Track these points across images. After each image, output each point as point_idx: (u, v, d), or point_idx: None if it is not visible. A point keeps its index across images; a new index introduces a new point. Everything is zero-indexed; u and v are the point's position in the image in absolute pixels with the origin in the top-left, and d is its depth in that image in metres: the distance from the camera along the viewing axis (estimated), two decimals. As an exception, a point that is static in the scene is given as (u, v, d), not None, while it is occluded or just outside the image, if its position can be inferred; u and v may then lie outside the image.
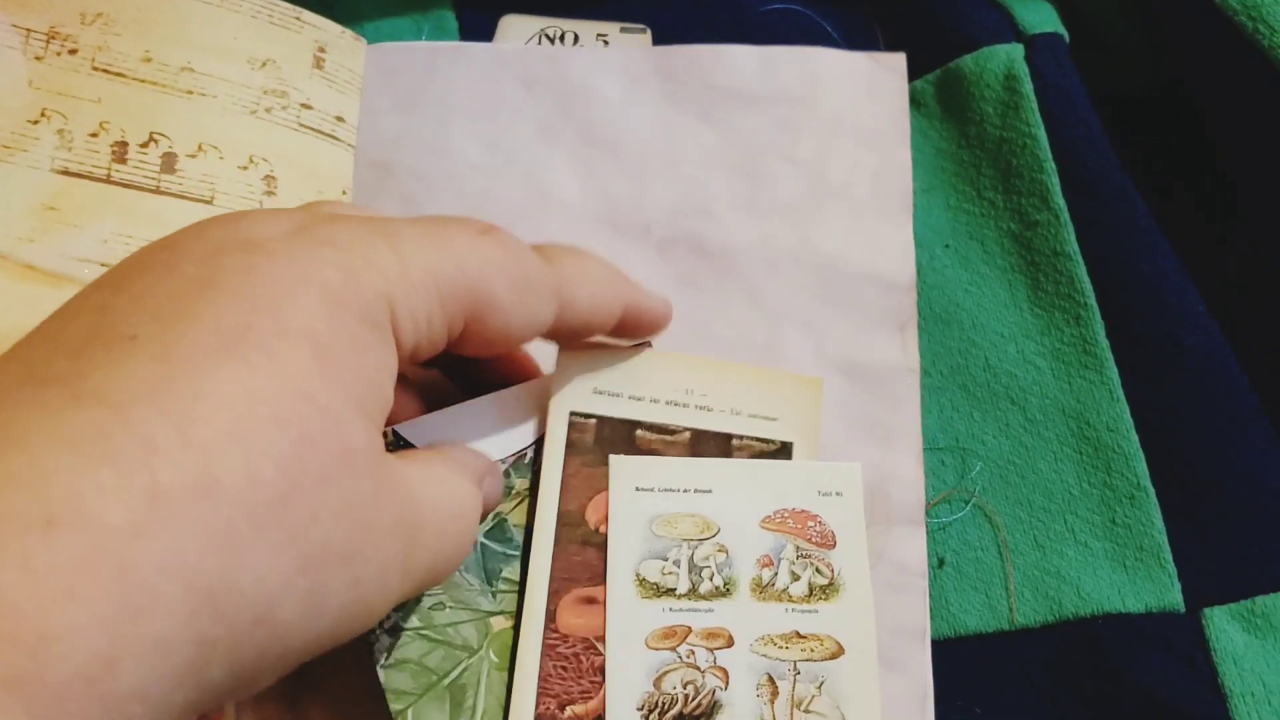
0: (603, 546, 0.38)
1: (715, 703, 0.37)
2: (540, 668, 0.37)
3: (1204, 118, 0.47)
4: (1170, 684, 0.39)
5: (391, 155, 0.45)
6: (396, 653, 0.35)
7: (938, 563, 0.42)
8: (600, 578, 0.38)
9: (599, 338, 0.37)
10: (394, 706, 0.35)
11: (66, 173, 0.40)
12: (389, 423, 0.32)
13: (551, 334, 0.33)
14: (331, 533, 0.24)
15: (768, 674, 0.37)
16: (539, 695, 0.37)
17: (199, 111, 0.39)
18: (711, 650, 0.38)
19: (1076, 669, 0.40)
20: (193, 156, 0.41)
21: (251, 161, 0.42)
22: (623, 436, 0.40)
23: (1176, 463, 0.42)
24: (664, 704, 0.37)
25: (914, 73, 0.49)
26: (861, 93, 0.46)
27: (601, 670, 0.37)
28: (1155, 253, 0.44)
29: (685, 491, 0.39)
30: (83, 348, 0.23)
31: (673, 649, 0.37)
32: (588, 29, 0.50)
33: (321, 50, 0.45)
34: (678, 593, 0.38)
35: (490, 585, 0.37)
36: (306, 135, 0.44)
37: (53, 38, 0.41)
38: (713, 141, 0.45)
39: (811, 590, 0.39)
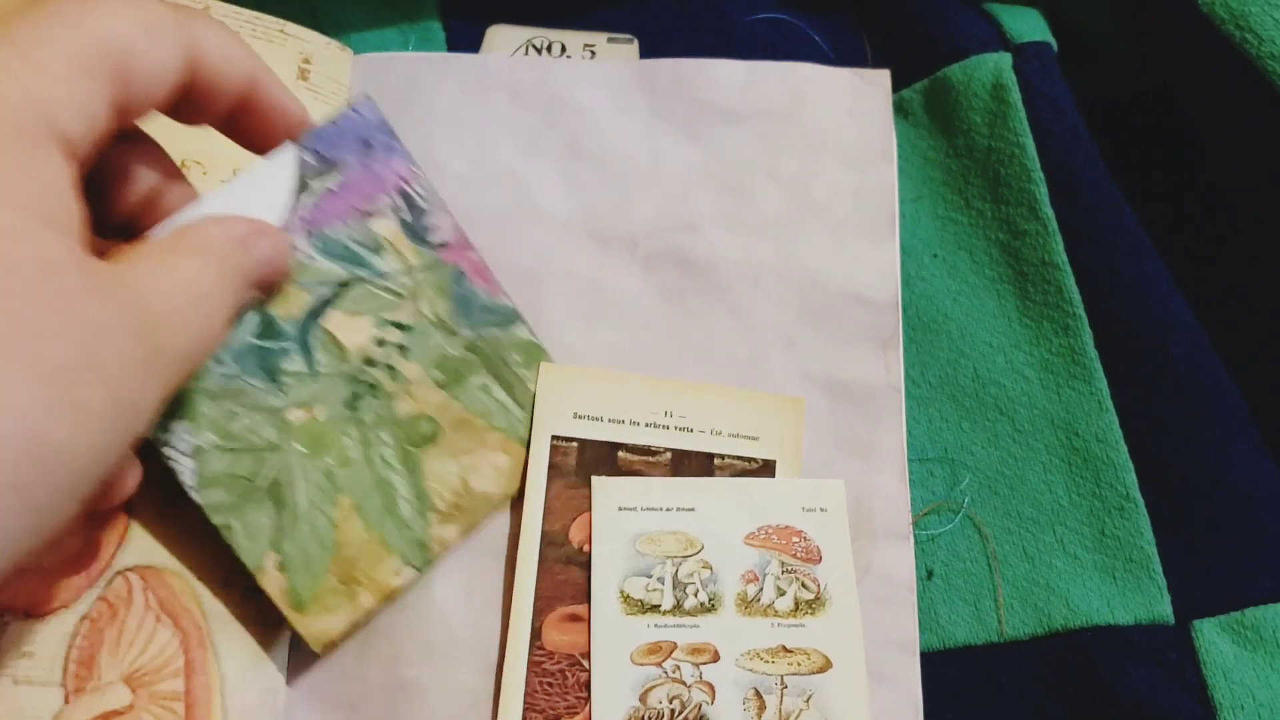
0: (587, 565, 0.39)
1: (702, 717, 0.37)
2: (526, 684, 0.37)
3: (1192, 127, 0.47)
4: (1160, 696, 0.39)
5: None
6: (203, 472, 0.35)
7: (926, 574, 0.42)
8: (585, 596, 0.38)
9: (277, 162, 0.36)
10: (215, 520, 0.36)
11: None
12: None
13: (179, 89, 0.30)
14: (63, 348, 0.24)
15: (754, 688, 0.37)
16: (525, 711, 0.37)
17: (181, 126, 0.38)
18: (697, 665, 0.38)
19: (1066, 681, 0.40)
20: (176, 172, 0.41)
21: (235, 175, 0.42)
22: (605, 458, 0.40)
23: (1166, 473, 0.41)
24: (650, 718, 0.37)
25: (902, 82, 0.49)
26: (846, 109, 0.46)
27: (587, 686, 0.37)
28: (1144, 262, 0.44)
29: (668, 510, 0.39)
30: None
31: (658, 664, 0.37)
32: (575, 39, 0.50)
33: (306, 61, 0.45)
34: (662, 609, 0.38)
35: (275, 382, 0.36)
36: (292, 147, 0.44)
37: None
38: (697, 156, 0.45)
39: (797, 605, 0.39)
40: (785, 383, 0.42)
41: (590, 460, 0.40)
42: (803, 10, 0.51)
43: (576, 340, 0.42)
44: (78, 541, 0.35)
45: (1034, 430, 0.43)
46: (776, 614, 0.38)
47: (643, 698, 0.37)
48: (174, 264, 0.29)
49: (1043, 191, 0.45)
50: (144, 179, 0.33)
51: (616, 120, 0.46)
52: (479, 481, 0.39)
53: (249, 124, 0.34)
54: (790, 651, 0.38)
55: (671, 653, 0.38)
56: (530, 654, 0.38)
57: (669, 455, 0.40)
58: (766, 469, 0.40)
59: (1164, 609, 0.40)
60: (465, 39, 0.50)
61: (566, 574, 0.38)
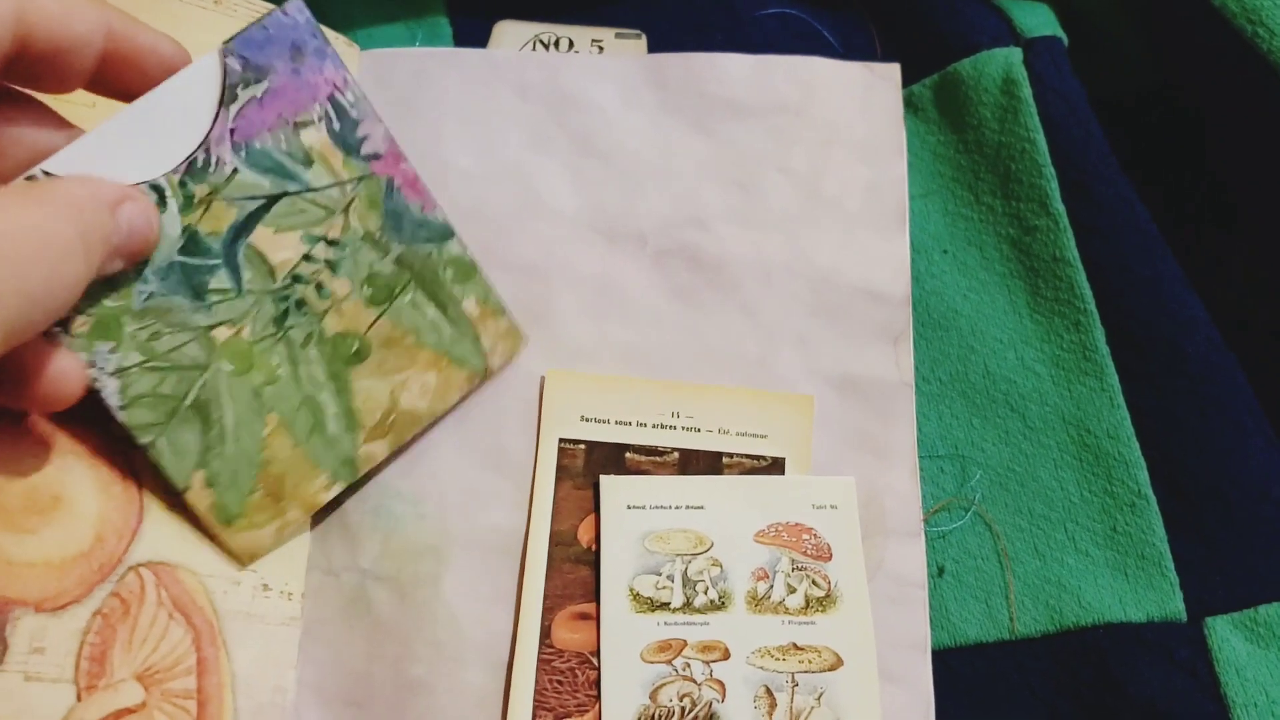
0: (596, 564, 0.38)
1: (712, 714, 0.37)
2: (536, 682, 0.37)
3: (1204, 121, 0.47)
4: (1172, 694, 0.39)
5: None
6: (129, 391, 0.35)
7: (937, 571, 0.42)
8: (594, 594, 0.38)
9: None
10: (141, 440, 0.35)
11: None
12: None
13: (26, 68, 0.29)
14: None
15: (765, 685, 0.37)
16: (535, 709, 0.37)
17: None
18: (708, 663, 0.37)
19: (1078, 679, 0.40)
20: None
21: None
22: (612, 459, 0.40)
23: (1178, 470, 0.41)
24: (660, 716, 0.37)
25: (911, 77, 0.48)
26: (856, 103, 0.46)
27: (597, 684, 0.37)
28: (1155, 258, 0.43)
29: (677, 508, 0.39)
30: None
31: (668, 662, 0.37)
32: (583, 35, 0.49)
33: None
34: (672, 607, 0.38)
35: (201, 300, 0.35)
36: (301, 142, 0.44)
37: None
38: (707, 151, 0.45)
39: (808, 602, 0.38)
40: (796, 379, 0.42)
41: (598, 461, 0.40)
42: (811, 5, 0.51)
43: (585, 338, 0.42)
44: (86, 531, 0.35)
45: (1045, 427, 0.43)
46: (787, 611, 0.38)
47: (653, 695, 0.37)
48: (24, 208, 0.28)
49: (1054, 187, 0.45)
50: (24, 137, 0.32)
51: (625, 116, 0.46)
52: (408, 399, 0.39)
53: (121, 76, 0.32)
54: (801, 649, 0.38)
55: (681, 650, 0.37)
56: (540, 652, 0.37)
57: (676, 455, 0.40)
58: (776, 467, 0.40)
59: (1176, 606, 0.40)
60: (472, 34, 0.50)
61: (576, 573, 0.38)
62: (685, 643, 0.38)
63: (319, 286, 0.37)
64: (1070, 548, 0.41)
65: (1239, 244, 0.45)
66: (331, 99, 0.36)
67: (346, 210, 0.37)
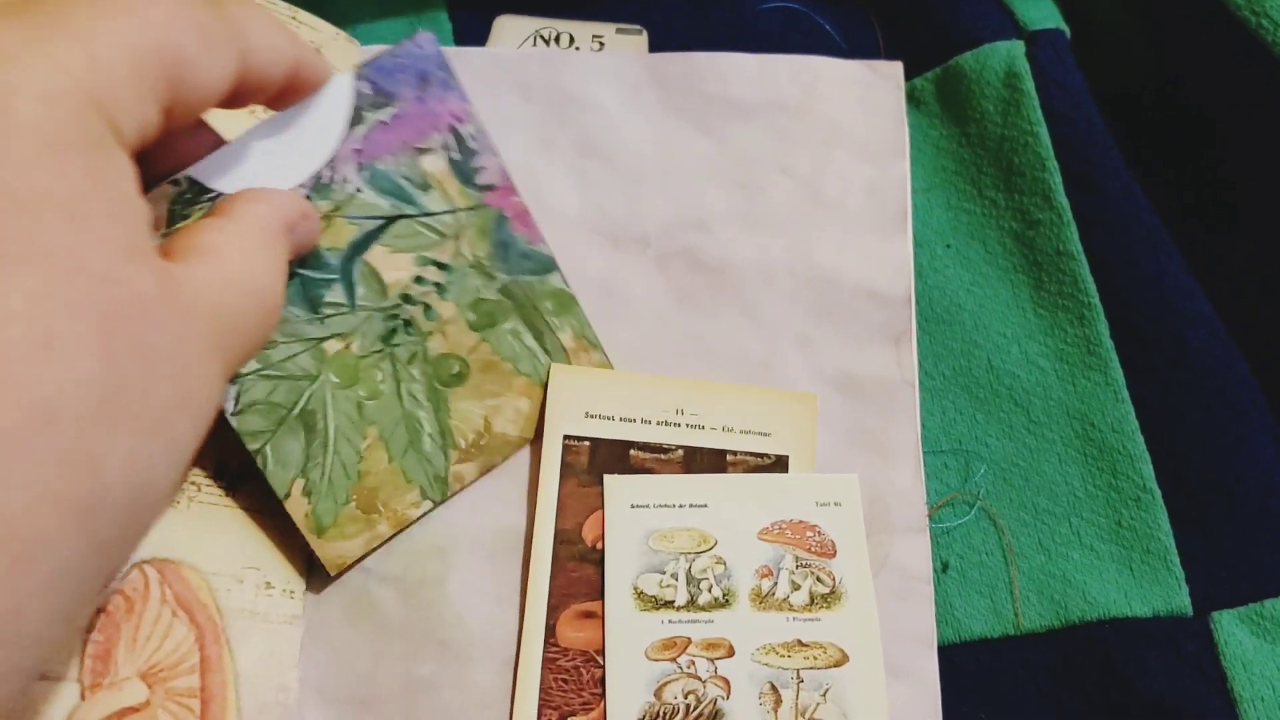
0: (600, 563, 0.38)
1: (717, 712, 0.37)
2: (541, 681, 0.37)
3: (1207, 114, 0.47)
4: (1179, 689, 0.39)
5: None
6: (243, 398, 0.36)
7: (942, 567, 0.42)
8: (599, 593, 0.38)
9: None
10: (251, 446, 0.36)
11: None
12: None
13: (234, 90, 0.30)
14: (166, 392, 0.23)
15: (770, 683, 0.37)
16: (540, 708, 0.37)
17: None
18: (712, 660, 0.37)
19: (1083, 674, 0.40)
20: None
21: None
22: (617, 457, 0.40)
23: (1183, 464, 0.41)
24: (665, 714, 0.37)
25: (914, 70, 0.48)
26: (858, 102, 0.46)
27: (602, 682, 0.37)
28: (1159, 251, 0.43)
29: (681, 506, 0.39)
30: None
31: (673, 660, 0.37)
32: (583, 30, 0.49)
33: (317, 52, 0.45)
34: (676, 605, 0.38)
35: (316, 313, 0.37)
36: (302, 139, 0.44)
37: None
38: (709, 152, 0.45)
39: (813, 599, 0.38)
40: (799, 380, 0.42)
41: (603, 459, 0.40)
42: (814, -1, 0.51)
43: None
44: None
45: (1049, 421, 0.43)
46: (791, 608, 0.38)
47: (658, 693, 0.37)
48: (235, 261, 0.28)
49: (1057, 180, 0.44)
50: (174, 142, 0.32)
51: (627, 116, 0.45)
52: (501, 423, 0.40)
53: (291, 100, 0.34)
54: (806, 645, 0.38)
55: (686, 648, 0.37)
56: (545, 651, 0.37)
57: (681, 453, 0.40)
58: (779, 465, 0.40)
59: (1182, 601, 0.40)
60: (472, 30, 0.50)
61: (580, 571, 0.38)
62: (690, 640, 0.38)
63: (426, 308, 0.39)
64: (1075, 542, 0.41)
65: (1243, 237, 0.45)
66: (453, 129, 0.38)
67: (458, 237, 0.39)
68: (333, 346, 0.37)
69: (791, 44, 0.48)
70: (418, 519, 0.39)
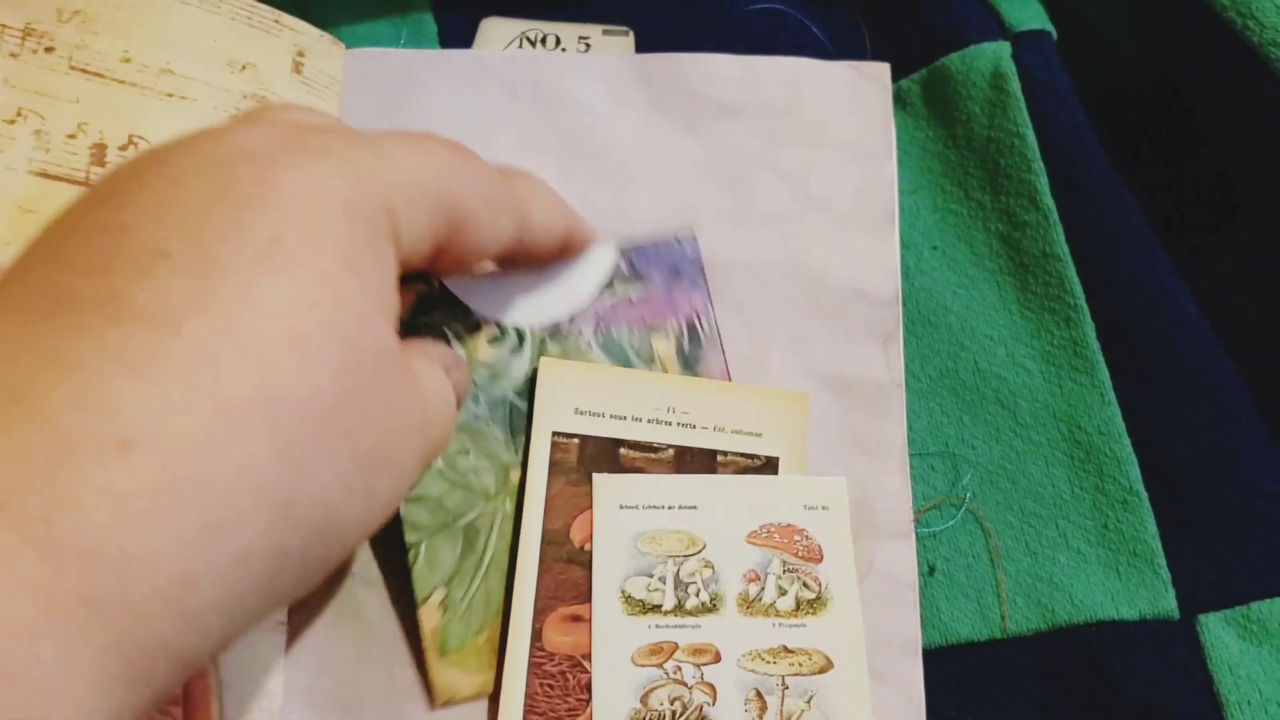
0: (588, 565, 0.38)
1: (703, 718, 0.37)
2: (527, 686, 0.37)
3: (1194, 115, 0.47)
4: (1165, 692, 0.39)
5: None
6: (418, 488, 0.37)
7: (928, 570, 0.41)
8: (586, 596, 0.38)
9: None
10: (409, 538, 0.37)
11: (44, 175, 0.39)
12: None
13: (506, 253, 0.34)
14: (378, 435, 0.25)
15: (755, 689, 0.37)
16: (525, 713, 0.37)
17: (179, 115, 0.38)
18: (699, 666, 0.37)
19: (1070, 678, 0.40)
20: (172, 162, 0.41)
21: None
22: (606, 455, 0.40)
23: (1170, 466, 0.41)
24: None
25: (900, 72, 0.48)
26: (844, 103, 0.46)
27: (588, 688, 0.37)
28: (1146, 253, 0.43)
29: (670, 508, 0.39)
30: (107, 267, 0.23)
31: (659, 665, 0.37)
32: (569, 32, 0.49)
33: (300, 55, 0.45)
34: (664, 609, 0.38)
35: (513, 439, 0.38)
36: (285, 142, 0.43)
37: (28, 34, 0.40)
38: (696, 152, 0.45)
39: (799, 604, 0.38)
40: (788, 380, 0.42)
41: (592, 457, 0.39)
42: (800, 0, 0.51)
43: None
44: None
45: (1036, 424, 0.43)
46: (778, 614, 0.38)
47: (644, 699, 0.37)
48: (432, 367, 0.31)
49: (1043, 182, 0.44)
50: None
51: (614, 115, 0.45)
52: None
53: (553, 262, 0.38)
54: (791, 652, 0.38)
55: (673, 653, 0.37)
56: (531, 655, 0.37)
57: (671, 452, 0.40)
58: (770, 466, 0.40)
59: (1169, 604, 0.40)
60: (458, 32, 0.50)
61: (568, 573, 0.38)
62: (677, 646, 0.37)
63: None
64: (1062, 545, 0.41)
65: (1230, 238, 0.45)
66: (690, 321, 0.41)
67: None
68: (516, 476, 0.38)
69: (778, 45, 0.48)
70: None
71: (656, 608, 0.38)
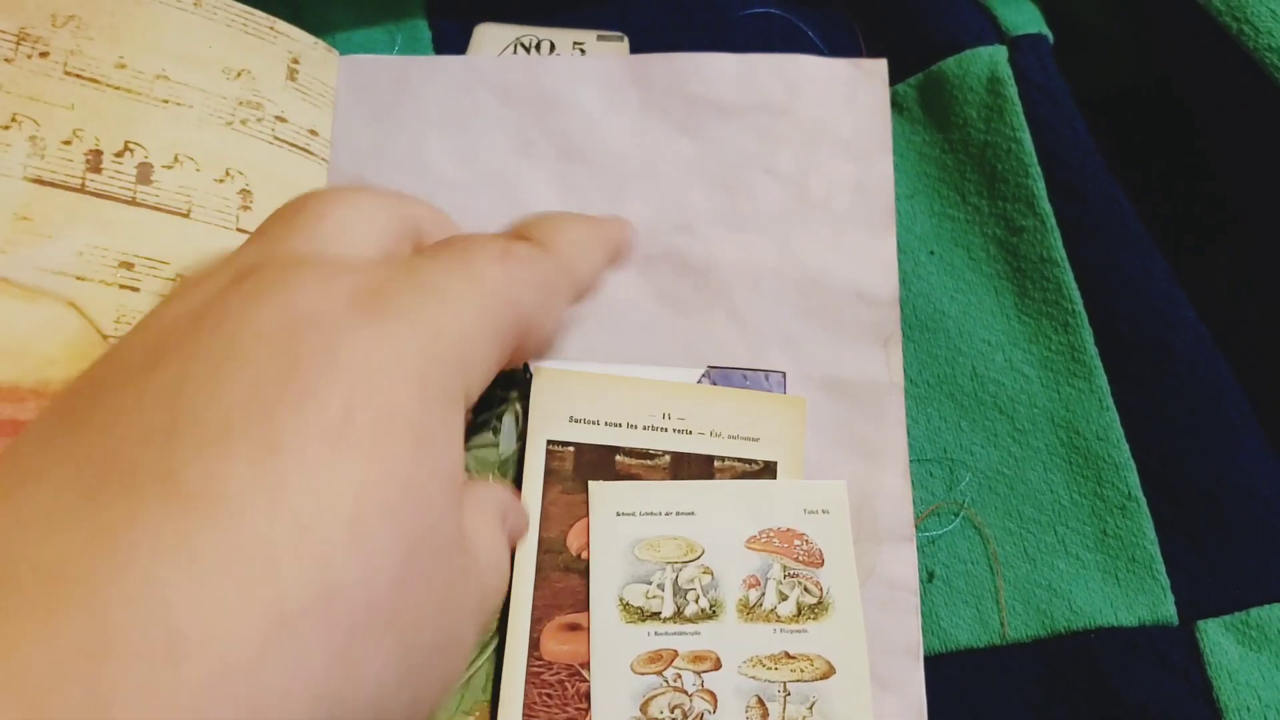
0: (585, 573, 0.38)
1: (704, 725, 0.36)
2: (525, 696, 0.37)
3: (1191, 119, 0.47)
4: (1164, 698, 0.38)
5: (365, 170, 0.44)
6: None
7: (927, 576, 0.41)
8: (583, 604, 0.38)
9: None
10: None
11: (39, 181, 0.38)
12: None
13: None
14: (434, 632, 0.25)
15: (757, 696, 0.37)
16: (523, 722, 0.36)
17: (175, 121, 0.37)
18: (699, 673, 0.37)
19: (1069, 684, 0.39)
20: (169, 168, 0.40)
21: (228, 175, 0.41)
22: (602, 463, 0.39)
23: (1168, 472, 0.41)
24: (651, 728, 0.36)
25: (896, 76, 0.48)
26: (842, 100, 0.46)
27: (587, 697, 0.37)
28: (1144, 257, 0.43)
29: (667, 515, 0.39)
30: (166, 439, 0.22)
31: (659, 673, 0.37)
32: (564, 37, 0.49)
33: (295, 61, 0.44)
34: (663, 616, 0.38)
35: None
36: (281, 149, 0.43)
37: (22, 39, 0.39)
38: (692, 153, 0.45)
39: (800, 610, 0.38)
40: (786, 383, 0.42)
41: (587, 465, 0.39)
42: (795, 4, 0.51)
43: (572, 345, 0.42)
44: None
45: (1034, 429, 0.43)
46: (779, 619, 0.38)
47: (643, 708, 0.36)
48: (487, 525, 0.30)
49: (1040, 186, 0.44)
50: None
51: (608, 117, 0.45)
52: None
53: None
54: (793, 658, 0.37)
55: (672, 661, 0.37)
56: (529, 665, 0.37)
57: (668, 458, 0.40)
58: (768, 470, 0.40)
59: (1168, 610, 0.40)
60: (452, 38, 0.50)
61: (565, 582, 0.38)
62: (676, 653, 0.37)
63: None
64: (1061, 551, 0.41)
65: (1227, 243, 0.45)
66: None
67: None
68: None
69: (773, 49, 0.47)
70: None
71: (655, 615, 0.38)
